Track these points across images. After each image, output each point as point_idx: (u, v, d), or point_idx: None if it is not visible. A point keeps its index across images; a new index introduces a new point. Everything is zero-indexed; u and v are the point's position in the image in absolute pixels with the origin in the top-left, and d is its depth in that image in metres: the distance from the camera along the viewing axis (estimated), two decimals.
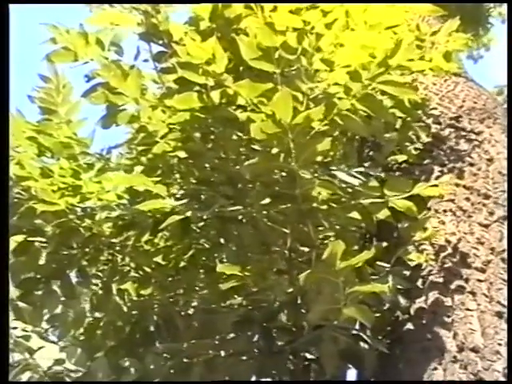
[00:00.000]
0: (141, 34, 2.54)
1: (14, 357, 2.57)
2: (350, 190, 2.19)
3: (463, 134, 3.09)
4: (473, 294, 2.09)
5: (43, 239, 2.38)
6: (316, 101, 2.16)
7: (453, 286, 2.15)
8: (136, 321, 2.50)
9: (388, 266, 2.20)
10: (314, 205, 2.12)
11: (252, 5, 2.30)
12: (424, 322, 2.07)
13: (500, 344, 1.87)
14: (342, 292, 1.78)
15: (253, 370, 2.10)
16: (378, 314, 2.04)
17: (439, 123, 3.21)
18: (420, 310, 2.12)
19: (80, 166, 2.47)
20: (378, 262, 2.15)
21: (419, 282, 2.23)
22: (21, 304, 2.38)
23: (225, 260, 2.38)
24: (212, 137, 2.40)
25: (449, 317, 2.03)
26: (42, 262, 2.37)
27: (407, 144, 2.93)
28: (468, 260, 2.24)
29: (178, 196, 2.38)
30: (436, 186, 2.25)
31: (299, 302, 2.16)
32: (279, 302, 2.20)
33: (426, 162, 2.91)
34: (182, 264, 2.47)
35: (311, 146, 2.03)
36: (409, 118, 2.91)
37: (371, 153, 3.04)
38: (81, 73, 2.51)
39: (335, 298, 1.80)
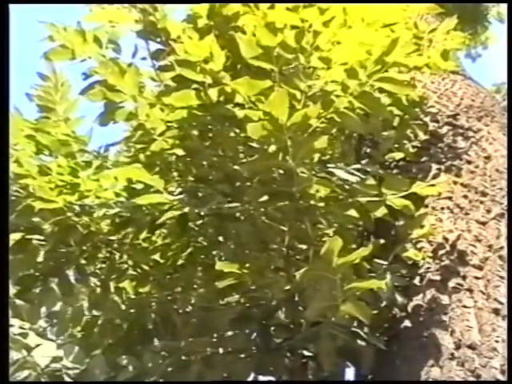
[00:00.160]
0: (138, 32, 2.54)
1: (12, 354, 2.57)
2: (347, 188, 2.19)
3: (461, 131, 3.09)
4: (470, 291, 2.10)
5: (41, 237, 2.38)
6: (314, 98, 2.16)
7: (450, 284, 2.15)
8: (134, 319, 2.49)
9: (385, 263, 2.20)
10: (312, 202, 2.13)
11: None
12: (421, 319, 2.07)
13: (497, 341, 1.87)
14: (340, 289, 1.78)
15: (251, 368, 2.11)
16: (375, 311, 2.04)
17: (437, 121, 3.21)
18: (417, 307, 2.12)
19: (78, 164, 2.47)
20: (376, 260, 2.16)
21: (417, 280, 2.24)
22: (18, 301, 2.38)
23: (223, 258, 2.38)
24: (210, 135, 2.40)
25: (446, 314, 2.03)
26: (39, 259, 2.37)
27: (405, 142, 2.94)
28: (465, 257, 2.25)
29: (175, 194, 2.38)
30: (433, 185, 2.26)
31: (297, 299, 2.17)
32: (277, 300, 2.21)
33: (423, 159, 2.92)
34: (180, 262, 2.47)
35: (308, 144, 2.03)
36: (406, 116, 2.92)
37: (369, 150, 3.04)
38: (79, 71, 2.52)
39: (333, 295, 1.80)
